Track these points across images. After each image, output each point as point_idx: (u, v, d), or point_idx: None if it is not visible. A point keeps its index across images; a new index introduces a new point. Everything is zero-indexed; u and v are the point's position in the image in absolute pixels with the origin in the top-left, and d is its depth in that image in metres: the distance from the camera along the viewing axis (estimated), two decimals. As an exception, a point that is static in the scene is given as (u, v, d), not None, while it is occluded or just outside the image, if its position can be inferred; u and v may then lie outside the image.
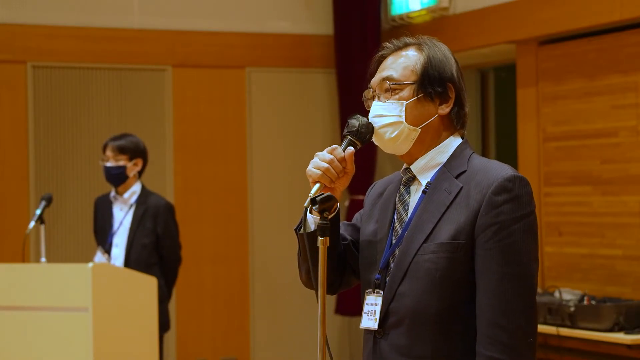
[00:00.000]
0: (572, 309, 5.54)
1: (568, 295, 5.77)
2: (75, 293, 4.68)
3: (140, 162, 5.66)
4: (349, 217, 7.53)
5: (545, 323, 5.70)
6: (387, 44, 2.56)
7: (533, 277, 2.35)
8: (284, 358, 7.67)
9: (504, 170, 2.38)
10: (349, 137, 2.48)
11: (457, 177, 2.42)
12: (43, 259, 5.41)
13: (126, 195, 5.67)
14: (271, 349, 7.66)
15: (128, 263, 5.56)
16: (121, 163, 5.59)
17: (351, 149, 2.47)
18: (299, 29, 7.78)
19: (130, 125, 7.15)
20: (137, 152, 5.65)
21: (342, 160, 2.46)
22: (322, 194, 2.39)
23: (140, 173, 5.72)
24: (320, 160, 2.46)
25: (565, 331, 5.59)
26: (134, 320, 4.91)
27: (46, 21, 7.15)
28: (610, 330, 5.41)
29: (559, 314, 5.61)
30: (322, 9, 7.81)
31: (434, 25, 7.09)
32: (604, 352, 5.72)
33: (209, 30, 7.56)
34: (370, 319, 2.47)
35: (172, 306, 7.19)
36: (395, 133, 2.46)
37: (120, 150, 5.60)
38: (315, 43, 7.81)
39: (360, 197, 7.57)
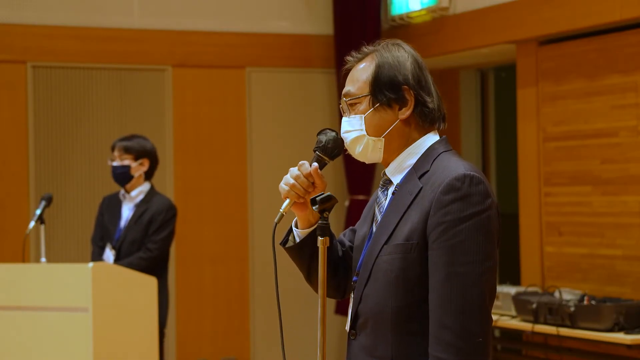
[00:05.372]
0: (572, 309, 5.54)
1: (568, 295, 5.77)
2: (75, 293, 4.68)
3: (146, 162, 5.72)
4: (349, 217, 7.55)
5: (545, 323, 5.70)
6: (349, 57, 2.58)
7: (482, 276, 2.30)
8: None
9: (456, 169, 2.36)
10: (316, 152, 2.53)
11: (420, 177, 2.43)
12: (43, 259, 5.41)
13: (133, 193, 5.74)
14: (271, 349, 7.66)
15: (118, 259, 5.59)
16: (126, 162, 5.66)
17: (315, 164, 2.51)
18: (299, 29, 7.78)
19: (130, 125, 7.15)
20: (142, 152, 5.71)
21: (309, 176, 2.50)
22: (322, 193, 2.42)
23: (149, 174, 5.76)
24: (289, 177, 2.51)
25: (565, 331, 5.59)
26: (134, 320, 4.91)
27: (46, 21, 7.15)
28: (610, 330, 5.41)
29: (559, 314, 5.61)
30: (322, 9, 7.81)
31: (434, 25, 7.09)
32: (604, 352, 5.72)
33: (209, 30, 7.56)
34: (347, 320, 2.53)
35: (172, 306, 7.19)
36: (362, 147, 2.50)
37: (126, 150, 5.68)
38: (315, 43, 7.81)
39: (361, 197, 7.57)
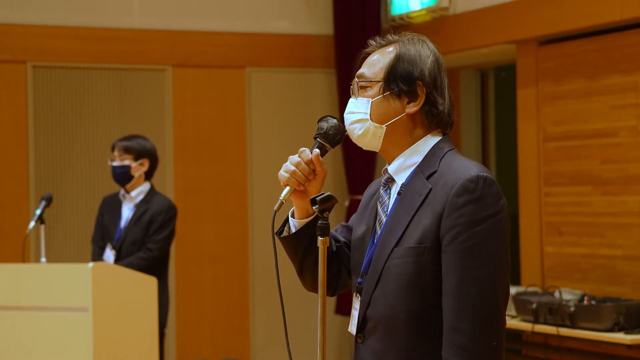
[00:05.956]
0: (572, 309, 5.54)
1: (568, 295, 5.77)
2: (75, 293, 4.68)
3: (146, 162, 5.72)
4: (349, 217, 7.53)
5: (545, 323, 5.70)
6: (372, 42, 2.54)
7: (496, 279, 2.28)
8: (284, 358, 7.65)
9: (468, 170, 2.32)
10: (317, 139, 2.50)
11: (428, 177, 2.38)
12: (43, 259, 5.41)
13: (133, 193, 5.74)
14: (271, 349, 7.66)
15: (118, 259, 5.59)
16: (126, 163, 5.66)
17: (317, 151, 2.48)
18: (299, 29, 7.78)
19: (130, 125, 7.15)
20: (142, 152, 5.71)
21: (310, 163, 2.48)
22: (322, 193, 2.39)
23: (149, 174, 5.76)
24: (289, 164, 2.48)
25: (565, 331, 5.59)
26: (134, 320, 4.91)
27: (46, 21, 7.15)
28: (610, 330, 5.41)
29: (559, 314, 5.61)
30: (322, 9, 7.81)
31: (434, 25, 7.09)
32: (604, 352, 5.72)
33: (209, 30, 7.56)
34: (352, 323, 2.47)
35: (172, 306, 7.19)
36: (362, 130, 2.45)
37: (126, 150, 5.69)
38: (315, 43, 7.81)
39: (360, 197, 7.56)
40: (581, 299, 5.69)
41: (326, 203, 2.37)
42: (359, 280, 2.46)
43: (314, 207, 2.38)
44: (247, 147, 7.66)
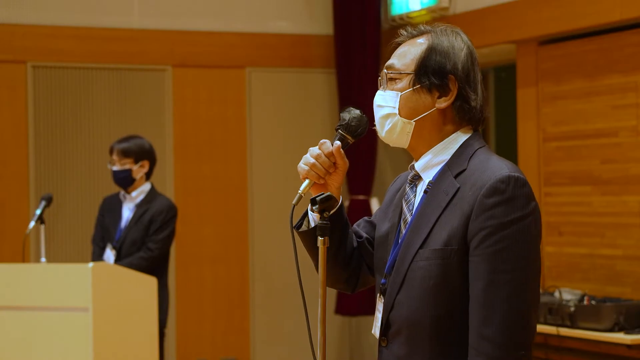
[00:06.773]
0: (572, 309, 5.54)
1: (568, 295, 5.77)
2: (75, 293, 4.68)
3: (146, 163, 5.72)
4: (349, 217, 7.52)
5: (545, 323, 5.70)
6: (402, 31, 2.45)
7: (527, 284, 2.18)
8: (284, 358, 7.67)
9: (499, 170, 2.22)
10: (339, 131, 2.41)
11: (456, 176, 2.28)
12: (43, 259, 5.41)
13: (134, 194, 5.74)
14: (271, 349, 7.66)
15: (119, 259, 5.60)
16: (127, 166, 5.64)
17: (338, 143, 2.38)
18: (299, 29, 7.78)
19: (130, 125, 7.15)
20: (142, 153, 5.70)
21: (330, 155, 2.38)
22: (322, 193, 2.34)
23: (148, 173, 5.76)
24: (309, 156, 2.40)
25: (565, 331, 5.59)
26: (134, 320, 4.91)
27: (46, 21, 7.15)
28: (610, 330, 5.41)
29: (559, 314, 5.61)
30: (322, 9, 7.81)
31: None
32: (604, 352, 5.72)
33: (209, 30, 7.56)
34: (376, 326, 2.40)
35: (172, 306, 7.19)
36: (390, 125, 2.35)
37: (125, 154, 5.65)
38: (315, 43, 7.81)
39: (361, 197, 7.56)
40: (581, 299, 5.69)
41: (326, 203, 2.32)
42: (383, 281, 2.38)
43: (313, 207, 2.32)
44: (247, 147, 7.66)
